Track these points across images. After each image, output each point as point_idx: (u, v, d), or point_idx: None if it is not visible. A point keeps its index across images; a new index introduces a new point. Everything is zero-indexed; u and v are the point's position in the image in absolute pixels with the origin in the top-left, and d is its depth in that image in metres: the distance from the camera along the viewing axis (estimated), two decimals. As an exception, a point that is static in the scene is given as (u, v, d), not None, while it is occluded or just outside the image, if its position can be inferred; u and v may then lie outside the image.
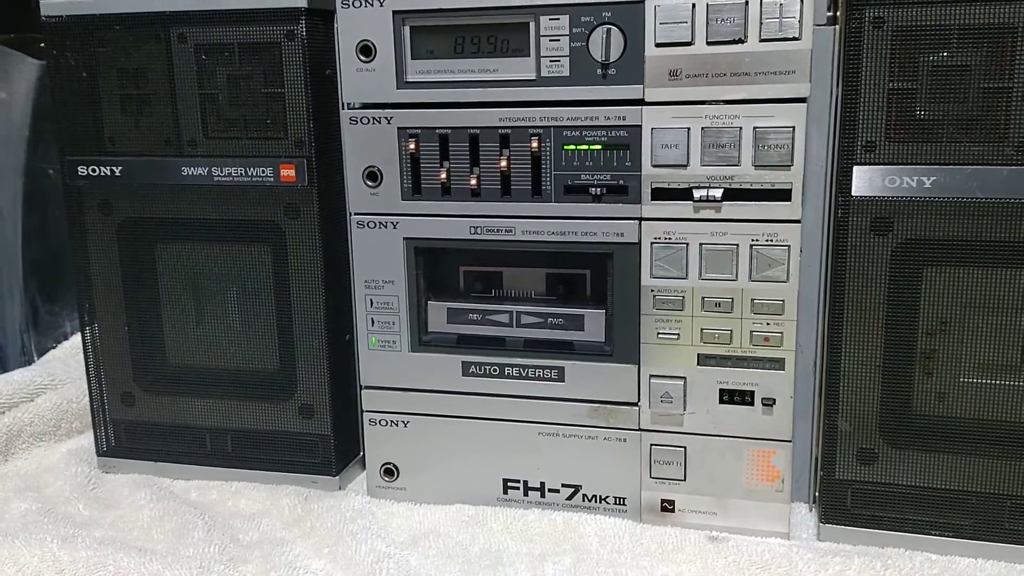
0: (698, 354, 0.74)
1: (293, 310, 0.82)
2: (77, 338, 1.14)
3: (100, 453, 0.91)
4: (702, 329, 0.73)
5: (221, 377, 0.86)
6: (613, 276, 0.75)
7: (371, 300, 0.80)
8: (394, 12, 0.74)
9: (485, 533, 0.77)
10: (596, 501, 0.79)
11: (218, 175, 0.81)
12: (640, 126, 0.71)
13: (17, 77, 1.20)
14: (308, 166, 0.79)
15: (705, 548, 0.73)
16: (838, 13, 0.69)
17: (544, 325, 0.79)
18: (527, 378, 0.78)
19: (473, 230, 0.76)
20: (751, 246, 0.71)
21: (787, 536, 0.75)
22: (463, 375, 0.80)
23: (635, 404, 0.76)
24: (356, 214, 0.79)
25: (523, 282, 0.80)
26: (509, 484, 0.81)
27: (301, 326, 0.83)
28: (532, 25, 0.72)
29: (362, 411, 0.84)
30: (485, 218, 0.76)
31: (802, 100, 0.68)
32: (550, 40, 0.72)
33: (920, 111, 0.66)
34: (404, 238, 0.78)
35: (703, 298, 0.73)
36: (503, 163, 0.74)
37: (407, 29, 0.74)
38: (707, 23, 0.68)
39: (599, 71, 0.71)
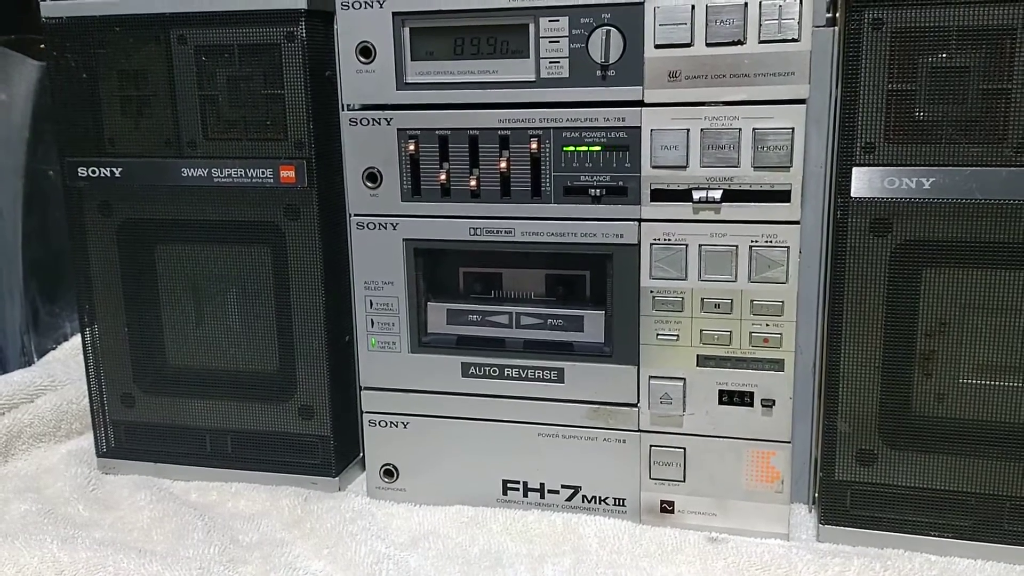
0: (697, 355, 0.74)
1: (293, 311, 0.82)
2: (77, 339, 1.14)
3: (100, 454, 0.91)
4: (701, 330, 0.73)
5: (221, 378, 0.86)
6: (612, 277, 0.75)
7: (371, 301, 0.80)
8: (394, 13, 0.74)
9: (485, 534, 0.77)
10: (596, 502, 0.79)
11: (218, 176, 0.81)
12: (639, 127, 0.71)
13: (17, 78, 1.20)
14: (308, 167, 0.79)
15: (704, 549, 0.73)
16: (837, 14, 0.69)
17: (544, 326, 0.79)
18: (527, 379, 0.78)
19: (473, 231, 0.77)
20: (750, 247, 0.71)
21: (786, 537, 0.75)
22: (463, 376, 0.80)
23: (635, 405, 0.77)
24: (356, 215, 0.79)
25: (523, 283, 0.80)
26: (509, 485, 0.81)
27: (301, 327, 0.83)
28: (532, 26, 0.72)
29: (362, 412, 0.84)
30: (485, 219, 0.76)
31: (801, 101, 0.68)
32: (550, 41, 0.72)
33: (919, 112, 0.67)
34: (404, 239, 0.78)
35: (702, 299, 0.73)
36: (503, 164, 0.74)
37: (407, 30, 0.75)
38: (706, 25, 0.68)
39: (598, 72, 0.71)
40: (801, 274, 0.72)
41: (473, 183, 0.75)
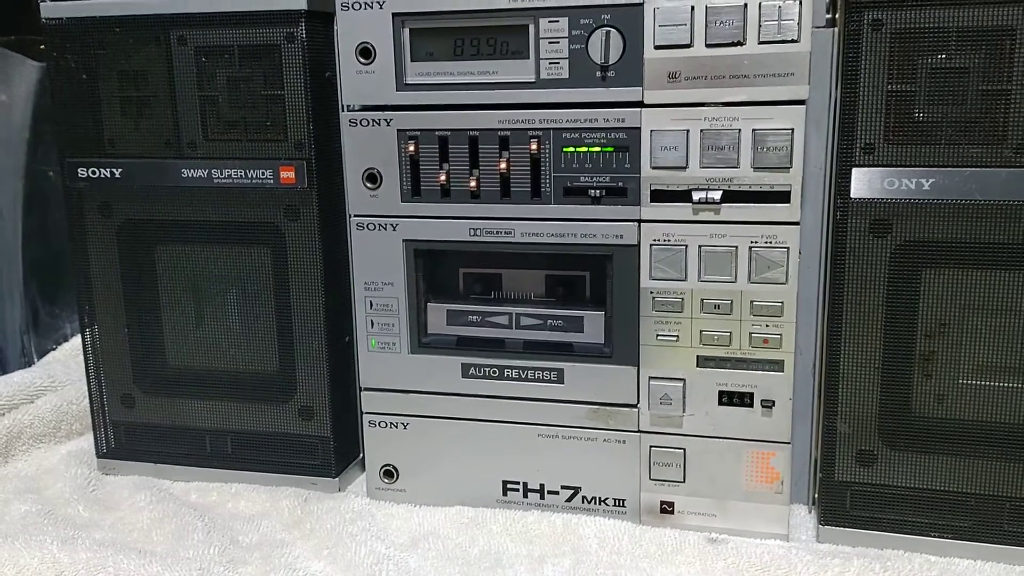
0: (697, 356, 0.74)
1: (293, 312, 0.82)
2: (77, 340, 1.14)
3: (100, 455, 0.91)
4: (701, 331, 0.73)
5: (221, 379, 0.86)
6: (612, 278, 0.75)
7: (371, 302, 0.80)
8: (394, 14, 0.74)
9: (485, 535, 0.77)
10: (595, 503, 0.79)
11: (218, 177, 0.81)
12: (639, 128, 0.71)
13: (17, 79, 1.20)
14: (308, 168, 0.79)
15: (704, 550, 0.74)
16: (837, 15, 0.69)
17: (543, 327, 0.79)
18: (526, 380, 0.78)
19: (472, 232, 0.77)
20: (750, 248, 0.71)
21: (786, 538, 0.75)
22: (462, 377, 0.80)
23: (634, 406, 0.77)
24: (356, 216, 0.79)
25: (522, 284, 0.80)
26: (508, 486, 0.81)
27: (301, 328, 0.83)
28: (531, 27, 0.72)
29: (362, 413, 0.84)
30: (484, 220, 0.76)
31: (801, 102, 0.68)
32: (549, 42, 0.72)
33: (919, 113, 0.67)
34: (404, 240, 0.78)
35: (702, 300, 0.73)
36: (502, 165, 0.74)
37: (407, 31, 0.75)
38: (706, 25, 0.68)
39: (598, 73, 0.71)
40: (801, 275, 0.72)
41: (473, 184, 0.75)
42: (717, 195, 0.71)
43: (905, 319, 0.70)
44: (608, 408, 0.77)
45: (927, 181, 0.67)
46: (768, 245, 0.71)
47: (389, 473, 0.83)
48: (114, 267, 0.86)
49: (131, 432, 0.89)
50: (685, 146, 0.70)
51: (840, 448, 0.73)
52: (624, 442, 0.77)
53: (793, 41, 0.67)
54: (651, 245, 0.73)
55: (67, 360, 1.12)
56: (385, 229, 0.78)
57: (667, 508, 0.77)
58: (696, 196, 0.71)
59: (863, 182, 0.68)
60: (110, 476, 0.89)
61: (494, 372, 0.79)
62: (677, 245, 0.73)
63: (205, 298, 0.85)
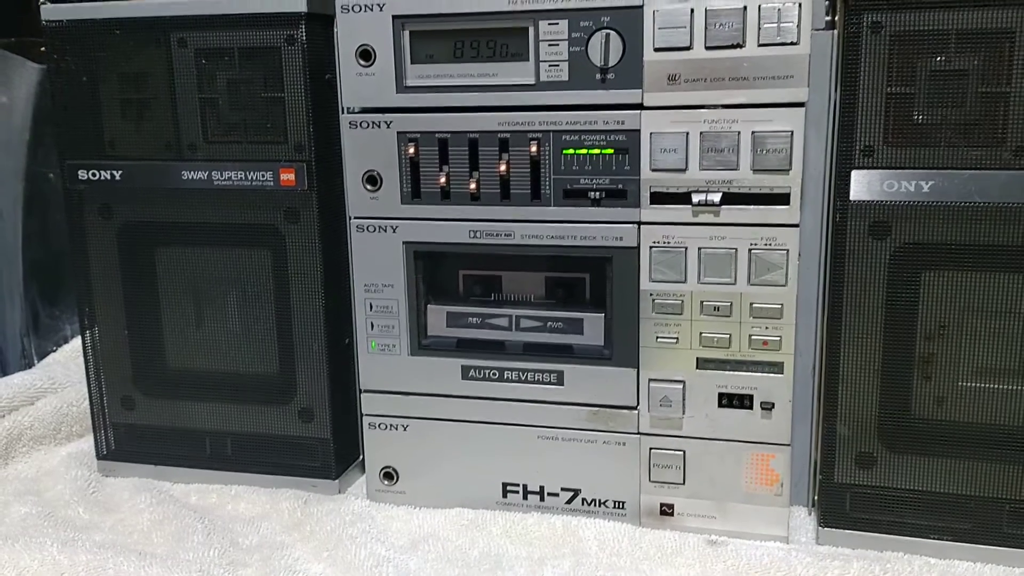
0: (697, 358, 0.74)
1: (293, 314, 0.83)
2: (77, 341, 1.14)
3: (100, 457, 0.91)
4: (701, 333, 0.73)
5: (221, 381, 0.86)
6: (612, 280, 0.75)
7: (371, 304, 0.80)
8: (394, 17, 0.74)
9: (484, 537, 0.77)
10: (595, 505, 0.79)
11: (218, 179, 0.81)
12: (639, 130, 0.71)
13: (17, 81, 1.20)
14: (308, 170, 0.79)
15: (704, 552, 0.74)
16: (836, 18, 0.70)
17: (543, 329, 0.79)
18: (526, 382, 0.79)
19: (472, 234, 0.77)
20: (750, 250, 0.71)
21: (786, 540, 0.75)
22: (462, 379, 0.80)
23: (634, 408, 0.77)
24: (356, 218, 0.79)
25: (522, 286, 0.80)
26: (508, 488, 0.81)
27: (301, 330, 0.83)
28: (531, 30, 0.72)
29: (362, 415, 0.84)
30: (484, 222, 0.76)
31: (800, 104, 0.68)
32: (549, 45, 0.72)
33: (918, 115, 0.67)
34: (404, 242, 0.78)
35: (702, 302, 0.73)
36: (502, 167, 0.74)
37: (407, 34, 0.75)
38: (706, 28, 0.68)
39: (598, 76, 0.71)
40: (801, 277, 0.72)
41: (473, 186, 0.76)
42: (717, 197, 0.71)
43: (905, 321, 0.70)
44: (608, 410, 0.77)
45: (926, 183, 0.67)
46: (768, 247, 0.71)
47: (389, 475, 0.83)
48: (114, 269, 0.86)
49: (131, 434, 0.89)
50: (685, 148, 0.70)
51: (840, 450, 0.73)
52: (624, 444, 0.77)
53: (793, 44, 0.67)
54: (651, 247, 0.73)
55: (67, 362, 1.12)
56: (385, 231, 0.78)
57: (667, 510, 0.77)
58: (696, 198, 0.71)
59: (863, 184, 0.68)
60: (110, 478, 0.89)
61: (494, 374, 0.79)
62: (677, 247, 0.73)
63: (205, 300, 0.85)
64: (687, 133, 0.70)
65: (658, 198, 0.72)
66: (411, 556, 0.74)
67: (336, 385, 0.84)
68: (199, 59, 0.79)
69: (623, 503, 0.78)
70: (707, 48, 0.69)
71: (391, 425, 0.82)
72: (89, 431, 0.93)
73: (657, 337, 0.74)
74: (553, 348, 0.78)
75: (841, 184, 0.69)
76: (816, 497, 0.77)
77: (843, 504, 0.74)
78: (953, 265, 0.68)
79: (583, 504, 0.79)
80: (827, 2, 0.70)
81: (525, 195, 0.75)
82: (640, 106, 0.71)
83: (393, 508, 0.82)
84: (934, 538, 0.72)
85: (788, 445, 0.74)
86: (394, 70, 0.75)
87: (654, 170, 0.72)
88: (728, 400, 0.74)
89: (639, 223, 0.73)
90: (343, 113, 0.78)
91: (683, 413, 0.75)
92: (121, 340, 0.87)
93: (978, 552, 0.71)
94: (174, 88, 0.80)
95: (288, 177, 0.79)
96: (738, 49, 0.68)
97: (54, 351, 1.17)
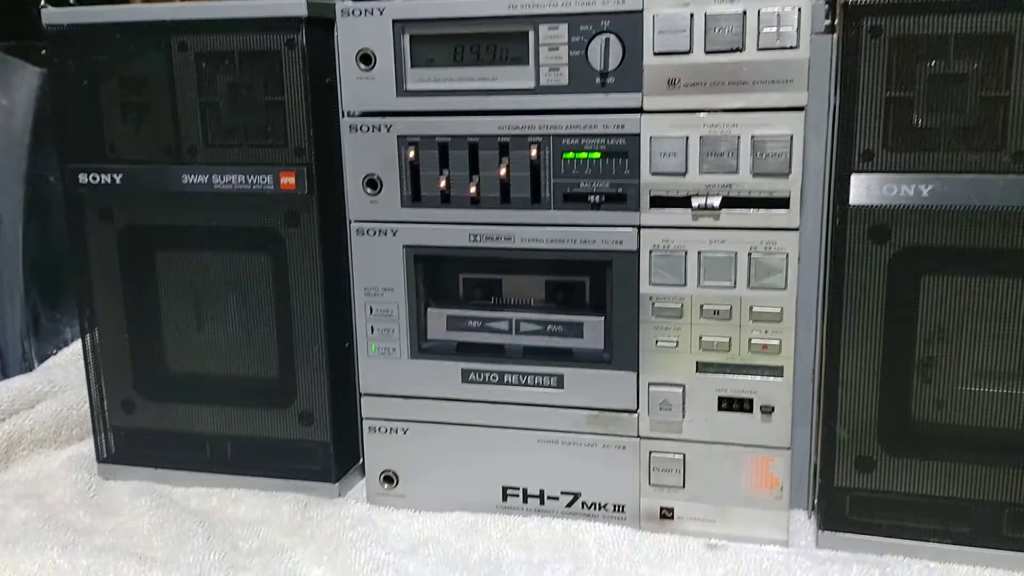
0: (697, 362, 0.74)
1: (293, 317, 0.83)
2: (77, 345, 1.14)
3: (100, 460, 0.91)
4: (701, 337, 0.73)
5: (221, 384, 0.86)
6: (612, 284, 0.75)
7: (371, 307, 0.80)
8: (394, 21, 0.74)
9: (484, 540, 0.77)
10: (595, 508, 0.79)
11: (218, 183, 0.81)
12: (639, 134, 0.71)
13: (18, 84, 1.20)
14: (308, 174, 0.79)
15: (704, 556, 0.74)
16: (836, 22, 0.70)
17: (543, 332, 0.79)
18: (526, 385, 0.79)
19: (472, 237, 0.77)
20: (749, 254, 0.71)
21: (786, 543, 0.75)
22: (462, 382, 0.80)
23: (634, 411, 0.77)
24: (356, 221, 0.79)
25: (522, 289, 0.80)
26: (508, 491, 0.81)
27: (301, 333, 0.83)
28: (531, 34, 0.72)
29: (362, 418, 0.84)
30: (484, 226, 0.76)
31: (800, 108, 0.69)
32: (549, 49, 0.72)
33: (918, 120, 0.67)
34: (404, 245, 0.78)
35: (702, 306, 0.73)
36: (502, 171, 0.75)
37: (407, 38, 0.75)
38: (705, 32, 0.68)
39: (598, 80, 0.71)
40: (800, 281, 0.72)
41: (473, 190, 0.76)
42: (716, 201, 0.71)
43: (904, 325, 0.70)
44: (608, 414, 0.77)
45: (926, 187, 0.67)
46: (767, 251, 0.71)
47: (389, 478, 0.83)
48: (115, 272, 0.86)
49: (131, 437, 0.89)
50: (684, 152, 0.71)
51: (840, 454, 0.73)
52: (624, 448, 0.77)
53: (792, 48, 0.67)
54: (651, 251, 0.73)
55: (67, 365, 1.12)
56: (385, 235, 0.79)
57: (667, 514, 0.78)
58: (695, 202, 0.71)
59: (862, 188, 0.68)
60: (110, 481, 0.89)
61: (494, 377, 0.79)
62: (677, 251, 0.73)
63: (206, 303, 0.85)
64: (687, 137, 0.70)
65: (658, 202, 0.72)
66: (411, 560, 0.74)
67: (336, 388, 0.84)
68: (199, 63, 0.79)
69: (623, 507, 0.78)
70: (707, 52, 0.69)
71: (391, 428, 0.82)
72: (89, 434, 0.93)
73: (657, 341, 0.74)
74: (553, 352, 0.78)
75: (841, 188, 0.69)
76: (816, 501, 0.77)
77: (843, 508, 0.74)
78: (952, 269, 0.68)
79: (583, 508, 0.79)
80: (827, 6, 0.70)
81: (525, 199, 0.75)
82: (640, 110, 0.71)
83: (393, 512, 0.82)
84: (934, 542, 0.72)
85: (788, 449, 0.74)
86: (394, 74, 0.75)
87: (654, 174, 0.72)
88: (728, 404, 0.74)
89: (639, 227, 0.73)
90: (343, 117, 0.78)
91: (683, 417, 0.75)
92: (121, 343, 0.87)
93: (978, 556, 0.71)
94: (174, 92, 0.80)
95: (288, 181, 0.80)
96: (738, 53, 0.68)
97: (54, 354, 1.17)
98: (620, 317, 0.75)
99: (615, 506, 0.79)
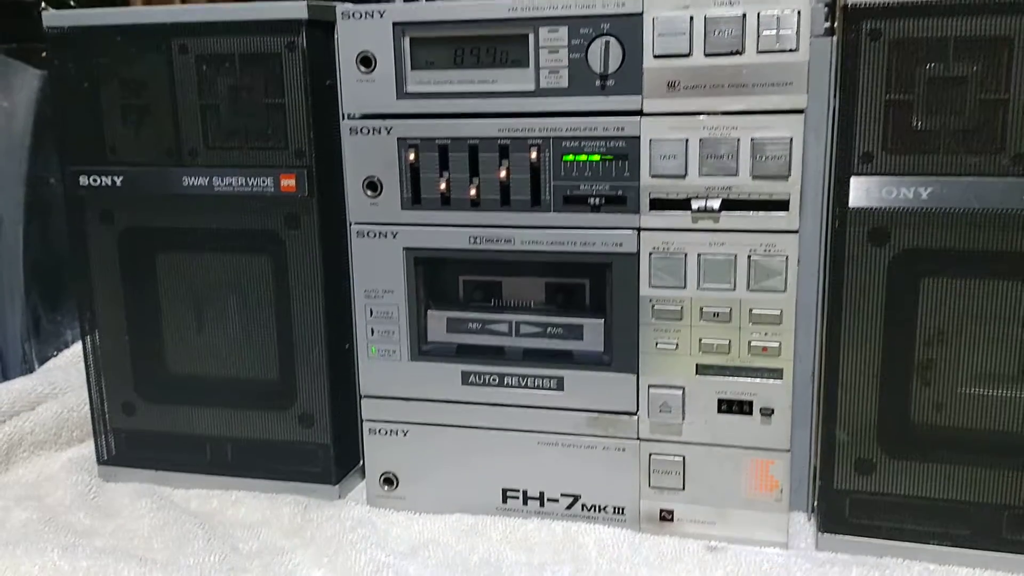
0: (696, 364, 0.74)
1: (293, 319, 0.83)
2: (78, 347, 1.14)
3: (101, 462, 0.91)
4: (700, 339, 0.74)
5: (221, 386, 0.86)
6: (612, 286, 0.75)
7: (371, 309, 0.80)
8: (394, 23, 0.74)
9: (484, 542, 0.77)
10: (595, 510, 0.79)
11: (219, 185, 0.81)
12: (639, 137, 0.71)
13: (19, 86, 1.20)
14: (308, 176, 0.79)
15: (704, 558, 0.74)
16: (835, 25, 0.70)
17: (543, 334, 0.79)
18: (526, 387, 0.79)
19: (472, 240, 0.77)
20: (749, 256, 0.71)
21: (785, 546, 0.75)
22: (462, 384, 0.80)
23: (634, 414, 0.77)
24: (356, 223, 0.79)
25: (522, 292, 0.81)
26: (508, 493, 0.81)
27: (301, 335, 0.83)
28: (531, 37, 0.72)
29: (362, 420, 0.84)
30: (484, 228, 0.76)
31: (800, 111, 0.69)
32: (549, 52, 0.72)
33: (917, 122, 0.67)
34: (404, 248, 0.78)
35: (701, 308, 0.73)
36: (502, 173, 0.75)
37: (407, 40, 0.75)
38: (705, 35, 0.68)
39: (598, 82, 0.72)
40: (800, 283, 0.72)
41: (473, 192, 0.76)
42: (716, 203, 0.71)
43: (904, 327, 0.70)
44: (608, 416, 0.77)
45: (925, 190, 0.67)
46: (767, 253, 0.71)
47: (389, 480, 0.83)
48: (115, 274, 0.86)
49: (132, 439, 0.90)
50: (684, 155, 0.71)
51: (839, 456, 0.73)
52: (624, 450, 0.77)
53: (792, 51, 0.67)
54: (650, 253, 0.73)
55: (68, 367, 1.12)
56: (385, 237, 0.79)
57: (666, 516, 0.78)
58: (695, 204, 0.71)
59: (862, 191, 0.68)
60: (111, 483, 0.89)
61: (494, 379, 0.79)
62: (676, 253, 0.73)
63: (206, 305, 0.85)
64: (687, 139, 0.70)
65: (658, 204, 0.72)
66: (411, 562, 0.74)
67: (336, 390, 0.84)
68: (200, 65, 0.79)
69: (623, 509, 0.78)
70: (706, 55, 0.69)
71: (391, 430, 0.83)
72: (90, 436, 0.93)
73: (657, 343, 0.75)
74: (553, 354, 0.78)
75: (840, 190, 0.69)
76: (815, 503, 0.77)
77: (842, 510, 0.74)
78: (952, 271, 0.68)
79: (583, 510, 0.79)
80: (826, 9, 0.70)
81: (525, 201, 0.75)
82: (640, 112, 0.71)
83: (393, 514, 0.82)
84: (933, 544, 0.72)
85: (787, 451, 0.74)
86: (394, 76, 0.75)
87: (654, 176, 0.72)
88: (728, 406, 0.74)
89: (639, 229, 0.73)
90: (344, 119, 0.78)
91: (683, 419, 0.75)
92: (122, 345, 0.87)
93: (977, 558, 0.71)
94: (175, 94, 0.80)
95: (289, 183, 0.80)
96: (737, 56, 0.68)
97: (55, 356, 1.17)
98: (620, 319, 0.75)
99: (615, 508, 0.79)
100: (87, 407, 0.91)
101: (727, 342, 0.73)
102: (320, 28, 0.78)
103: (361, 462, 0.87)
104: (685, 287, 0.73)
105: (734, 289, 0.72)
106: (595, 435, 0.78)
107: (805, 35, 0.67)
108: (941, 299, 0.69)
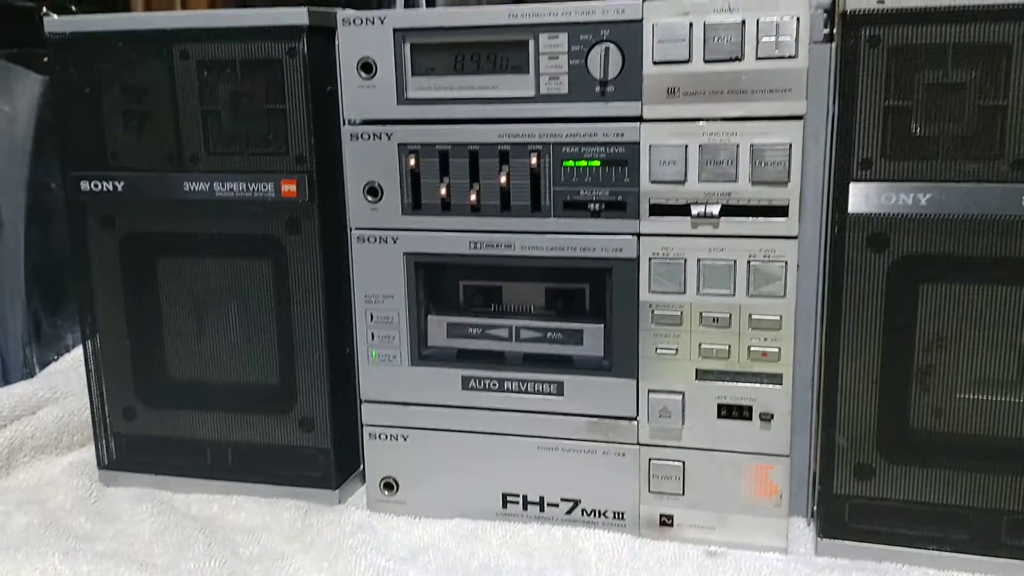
0: (696, 369, 0.74)
1: (294, 324, 0.83)
2: (79, 351, 1.13)
3: (101, 466, 0.91)
4: (700, 344, 0.74)
5: (222, 391, 0.86)
6: (612, 291, 0.75)
7: (371, 314, 0.80)
8: (395, 30, 0.75)
9: (484, 547, 0.77)
10: (595, 515, 0.79)
11: (220, 190, 0.81)
12: (638, 143, 0.72)
13: (20, 92, 1.21)
14: (309, 181, 0.79)
15: (703, 563, 0.74)
16: (834, 31, 0.70)
17: (543, 339, 0.79)
18: (526, 392, 0.79)
19: (473, 245, 0.77)
20: (749, 262, 0.71)
21: (785, 551, 0.75)
22: (462, 389, 0.80)
23: (634, 419, 0.77)
24: (357, 229, 0.79)
25: (522, 297, 0.81)
26: (508, 498, 0.81)
27: (301, 340, 0.83)
28: (531, 43, 0.72)
29: (362, 425, 0.84)
30: (485, 233, 0.77)
31: (799, 117, 0.69)
32: (549, 58, 0.72)
33: (916, 128, 0.67)
34: (404, 253, 0.78)
35: (701, 313, 0.73)
36: (502, 179, 0.75)
37: (407, 46, 0.75)
38: (704, 42, 0.69)
39: (598, 88, 0.72)
40: (799, 289, 0.72)
41: (473, 197, 0.76)
42: (716, 209, 0.71)
43: (903, 333, 0.70)
44: (607, 421, 0.77)
45: (924, 196, 0.67)
46: (766, 259, 0.71)
47: (389, 485, 0.83)
48: (116, 279, 0.86)
49: (132, 444, 0.90)
50: (684, 160, 0.71)
51: (839, 461, 0.73)
52: (624, 455, 0.78)
53: (791, 57, 0.68)
54: (650, 259, 0.73)
55: (68, 371, 1.12)
56: (386, 242, 0.79)
57: (666, 521, 0.78)
58: (695, 210, 0.71)
59: (861, 197, 0.69)
60: (111, 488, 0.89)
61: (494, 384, 0.79)
62: (676, 259, 0.73)
63: (207, 310, 0.85)
64: (686, 145, 0.71)
65: (657, 210, 0.72)
66: (411, 567, 0.74)
67: (336, 395, 0.84)
68: (201, 71, 0.80)
69: (623, 514, 0.79)
70: (706, 61, 0.69)
71: (391, 435, 0.83)
72: (90, 441, 0.93)
73: (656, 348, 0.75)
74: (553, 359, 0.79)
75: (839, 196, 0.69)
76: (815, 508, 0.77)
77: (842, 515, 0.74)
78: (951, 277, 0.68)
79: (583, 515, 0.79)
80: (825, 16, 0.70)
81: (525, 206, 0.75)
82: (639, 119, 0.72)
83: (393, 518, 0.83)
84: (932, 549, 0.72)
85: (787, 456, 0.74)
86: (395, 82, 0.76)
87: (653, 182, 0.72)
88: (727, 411, 0.74)
89: (638, 235, 0.73)
90: (344, 125, 0.79)
91: (682, 424, 0.76)
92: (123, 350, 0.87)
93: (976, 563, 0.72)
94: (176, 100, 0.81)
95: (289, 188, 0.80)
96: (737, 62, 0.69)
97: (56, 360, 1.18)
98: (620, 324, 0.75)
99: (615, 513, 0.79)
100: (88, 411, 0.91)
101: (727, 347, 0.73)
102: (321, 34, 0.78)
103: (361, 467, 0.88)
104: (685, 292, 0.73)
105: (734, 294, 0.72)
106: (595, 440, 0.78)
107: (804, 41, 0.67)
108: (940, 305, 0.69)
